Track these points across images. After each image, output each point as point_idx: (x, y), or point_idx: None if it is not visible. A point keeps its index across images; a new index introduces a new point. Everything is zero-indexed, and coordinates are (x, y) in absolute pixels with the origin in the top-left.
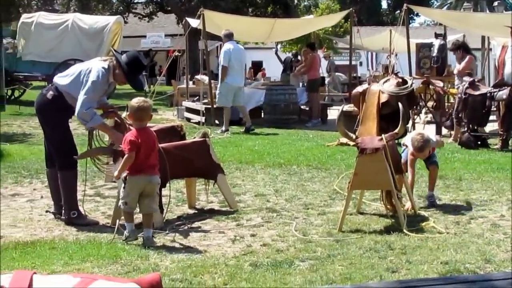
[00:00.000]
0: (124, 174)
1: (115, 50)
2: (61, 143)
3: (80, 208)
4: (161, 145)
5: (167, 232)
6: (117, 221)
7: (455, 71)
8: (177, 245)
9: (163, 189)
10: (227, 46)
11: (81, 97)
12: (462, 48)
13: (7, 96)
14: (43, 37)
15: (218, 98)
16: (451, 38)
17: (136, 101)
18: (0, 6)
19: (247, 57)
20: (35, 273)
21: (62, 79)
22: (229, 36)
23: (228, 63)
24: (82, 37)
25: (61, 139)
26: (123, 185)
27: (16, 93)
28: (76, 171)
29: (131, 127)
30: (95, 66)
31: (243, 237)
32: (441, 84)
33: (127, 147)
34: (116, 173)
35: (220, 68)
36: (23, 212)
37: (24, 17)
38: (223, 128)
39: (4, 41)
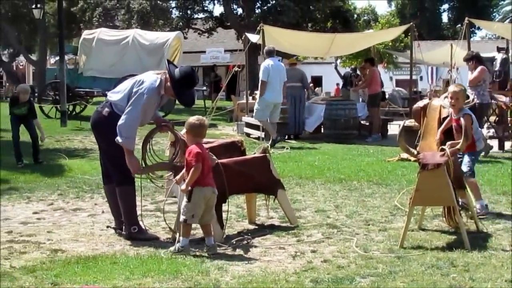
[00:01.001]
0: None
1: (169, 62)
2: (118, 159)
3: (140, 223)
4: (221, 161)
5: (227, 247)
6: (177, 234)
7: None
8: (237, 260)
9: (223, 204)
10: (267, 62)
11: (128, 108)
12: (475, 59)
13: (69, 112)
14: (104, 53)
15: (256, 113)
16: None
17: (195, 119)
18: (62, 23)
19: (307, 72)
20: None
21: (115, 95)
22: (270, 53)
23: (267, 78)
24: (142, 53)
25: (117, 155)
26: (185, 198)
27: (77, 109)
28: (134, 186)
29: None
30: (147, 78)
31: (304, 253)
32: (504, 98)
33: (194, 159)
34: (183, 186)
35: (259, 83)
36: (85, 226)
37: (86, 34)
38: (273, 137)
39: (66, 57)
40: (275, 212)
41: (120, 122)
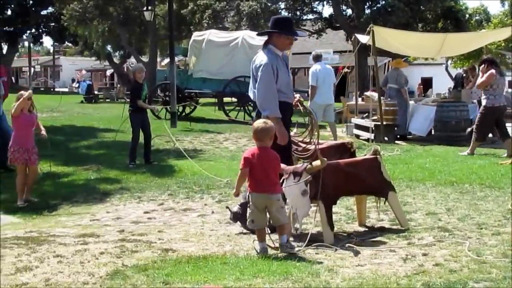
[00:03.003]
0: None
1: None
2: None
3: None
4: (331, 162)
5: (337, 249)
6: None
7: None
8: (347, 263)
9: (333, 206)
10: (315, 67)
11: (256, 86)
12: (487, 63)
13: (179, 113)
14: (214, 54)
15: None
16: None
17: (257, 123)
18: (172, 25)
19: (417, 74)
20: None
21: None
22: (317, 58)
23: (316, 83)
24: (252, 54)
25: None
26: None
27: (187, 110)
28: None
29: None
30: (259, 57)
31: (415, 256)
32: None
33: (241, 163)
34: (234, 191)
35: (309, 88)
36: (195, 226)
37: (195, 35)
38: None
39: (176, 59)
40: (385, 214)
41: (257, 102)
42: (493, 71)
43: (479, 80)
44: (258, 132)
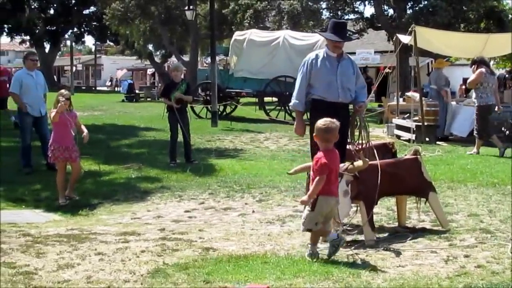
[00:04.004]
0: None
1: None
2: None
3: None
4: (372, 162)
5: (378, 249)
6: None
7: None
8: (388, 263)
9: (374, 206)
10: None
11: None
12: (477, 63)
13: (219, 112)
14: (255, 54)
15: None
16: None
17: (322, 122)
18: (213, 24)
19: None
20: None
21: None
22: None
23: None
24: (293, 54)
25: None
26: (308, 208)
27: (228, 109)
28: None
29: None
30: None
31: (456, 258)
32: None
33: (320, 170)
34: (306, 198)
35: None
36: (235, 226)
37: (237, 35)
38: None
39: (217, 58)
40: (426, 215)
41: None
42: (482, 69)
43: (470, 79)
44: (324, 131)
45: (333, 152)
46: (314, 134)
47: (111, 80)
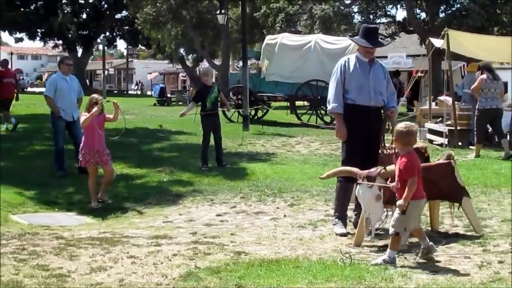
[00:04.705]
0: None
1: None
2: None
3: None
4: None
5: (411, 254)
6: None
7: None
8: (421, 268)
9: None
10: None
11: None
12: (481, 69)
13: (251, 116)
14: (287, 58)
15: None
16: None
17: (402, 125)
18: (245, 28)
19: None
20: None
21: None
22: None
23: None
24: (325, 58)
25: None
26: (398, 210)
27: (259, 113)
28: (344, 184)
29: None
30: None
31: (490, 263)
32: None
33: (410, 173)
34: (401, 202)
35: None
36: (267, 230)
37: (268, 39)
38: None
39: (249, 62)
40: (459, 220)
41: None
42: (483, 76)
43: (472, 85)
44: (405, 135)
45: (414, 154)
46: (394, 138)
47: (137, 84)
